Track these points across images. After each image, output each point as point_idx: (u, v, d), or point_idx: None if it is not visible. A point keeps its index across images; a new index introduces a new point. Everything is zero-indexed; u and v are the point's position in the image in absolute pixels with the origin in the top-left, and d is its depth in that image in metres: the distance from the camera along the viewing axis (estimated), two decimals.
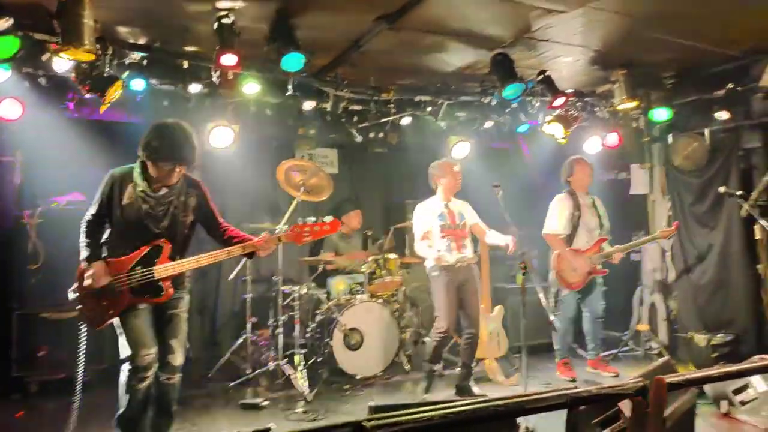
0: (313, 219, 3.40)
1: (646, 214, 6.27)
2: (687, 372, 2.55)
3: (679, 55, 4.89)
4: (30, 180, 5.01)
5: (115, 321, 3.08)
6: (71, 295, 3.10)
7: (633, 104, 5.24)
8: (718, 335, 5.04)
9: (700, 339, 5.06)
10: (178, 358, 3.19)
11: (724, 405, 3.87)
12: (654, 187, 6.21)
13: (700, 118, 5.58)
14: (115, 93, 4.06)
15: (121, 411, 3.08)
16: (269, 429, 1.89)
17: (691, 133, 5.68)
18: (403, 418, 1.95)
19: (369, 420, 1.89)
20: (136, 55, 4.28)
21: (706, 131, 5.52)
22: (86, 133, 4.96)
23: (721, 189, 5.06)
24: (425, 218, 4.57)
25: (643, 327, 5.79)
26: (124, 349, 3.05)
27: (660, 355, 5.53)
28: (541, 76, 5.10)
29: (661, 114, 5.60)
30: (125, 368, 3.05)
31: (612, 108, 5.62)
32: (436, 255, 4.38)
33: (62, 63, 3.92)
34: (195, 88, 4.64)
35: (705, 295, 5.53)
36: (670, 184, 5.97)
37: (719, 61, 5.05)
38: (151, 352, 3.03)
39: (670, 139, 5.91)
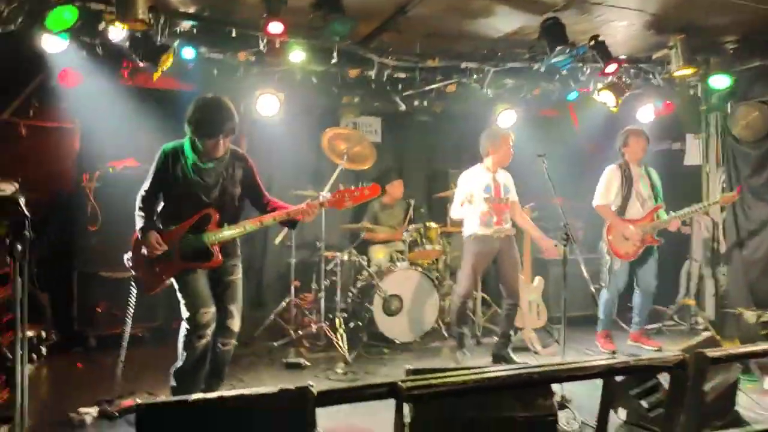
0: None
1: (700, 185, 6.05)
2: (729, 347, 2.52)
3: (742, 18, 4.62)
4: (88, 145, 5.26)
5: (175, 283, 3.24)
6: (127, 263, 3.28)
7: (690, 71, 5.00)
8: None
9: (750, 315, 4.91)
10: (236, 323, 3.35)
11: (766, 382, 3.78)
12: (709, 157, 5.97)
13: (762, 86, 5.31)
14: (167, 61, 4.19)
15: (179, 365, 3.26)
16: (309, 386, 2.00)
17: (752, 101, 5.40)
18: (438, 380, 2.02)
19: (404, 381, 1.97)
20: (187, 24, 4.38)
21: None
22: (140, 101, 5.14)
23: None
24: (470, 187, 4.54)
25: (690, 301, 5.66)
26: (184, 310, 3.22)
27: (706, 330, 5.41)
28: (594, 42, 4.93)
29: (721, 81, 5.33)
30: (185, 326, 3.22)
31: (668, 75, 5.39)
32: (480, 212, 4.39)
33: (117, 32, 4.05)
34: (243, 56, 4.71)
35: (757, 270, 5.35)
36: (726, 155, 5.72)
37: None
38: (210, 311, 3.19)
39: (729, 107, 5.64)
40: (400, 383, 1.95)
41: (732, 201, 5.14)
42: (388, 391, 2.00)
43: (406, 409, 2.63)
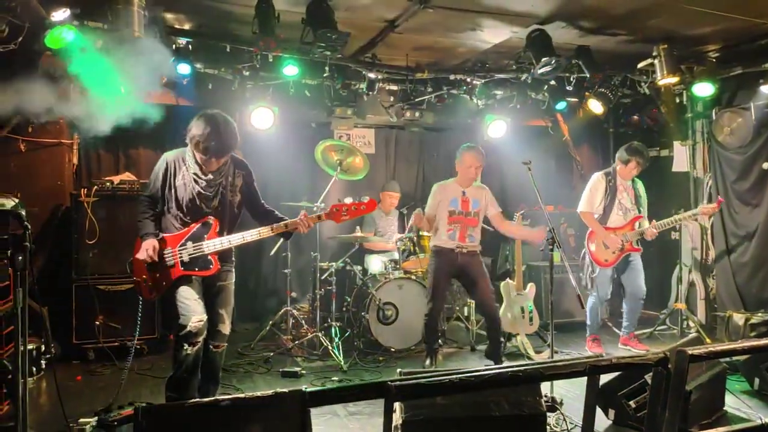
0: (350, 199, 3.53)
1: (689, 191, 6.15)
2: (710, 345, 2.59)
3: (724, 27, 4.75)
4: (87, 160, 5.34)
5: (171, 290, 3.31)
6: (128, 267, 3.36)
7: (675, 79, 5.12)
8: (758, 314, 4.96)
9: (739, 318, 4.99)
10: (227, 327, 3.42)
11: (757, 382, 3.85)
12: (696, 164, 6.08)
13: (745, 93, 5.44)
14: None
15: (172, 373, 3.32)
16: (304, 388, 2.07)
17: (735, 108, 5.53)
18: (425, 380, 2.09)
19: (393, 381, 2.05)
20: (182, 41, 4.48)
21: (752, 106, 5.37)
22: (137, 115, 5.22)
23: (765, 165, 4.92)
24: (439, 200, 4.55)
25: (680, 305, 5.73)
26: (177, 318, 3.28)
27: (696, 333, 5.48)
28: (579, 52, 5.05)
29: (704, 89, 5.45)
30: (178, 333, 3.27)
31: (653, 83, 5.51)
32: (443, 225, 4.39)
33: None
34: (237, 71, 4.82)
35: (745, 273, 5.45)
36: (713, 161, 5.84)
37: (765, 34, 4.88)
38: (202, 319, 3.24)
39: (713, 114, 5.77)
40: (389, 383, 2.02)
41: (712, 212, 5.16)
42: (378, 390, 2.07)
43: (398, 410, 2.70)
